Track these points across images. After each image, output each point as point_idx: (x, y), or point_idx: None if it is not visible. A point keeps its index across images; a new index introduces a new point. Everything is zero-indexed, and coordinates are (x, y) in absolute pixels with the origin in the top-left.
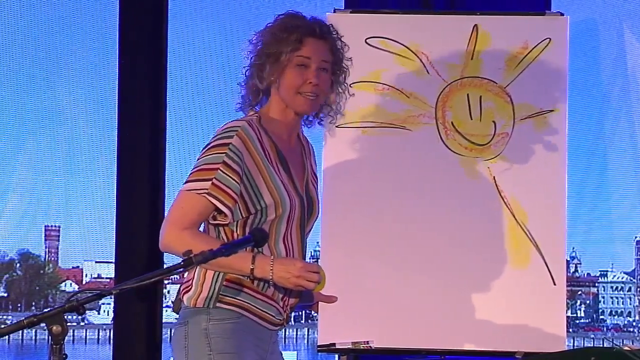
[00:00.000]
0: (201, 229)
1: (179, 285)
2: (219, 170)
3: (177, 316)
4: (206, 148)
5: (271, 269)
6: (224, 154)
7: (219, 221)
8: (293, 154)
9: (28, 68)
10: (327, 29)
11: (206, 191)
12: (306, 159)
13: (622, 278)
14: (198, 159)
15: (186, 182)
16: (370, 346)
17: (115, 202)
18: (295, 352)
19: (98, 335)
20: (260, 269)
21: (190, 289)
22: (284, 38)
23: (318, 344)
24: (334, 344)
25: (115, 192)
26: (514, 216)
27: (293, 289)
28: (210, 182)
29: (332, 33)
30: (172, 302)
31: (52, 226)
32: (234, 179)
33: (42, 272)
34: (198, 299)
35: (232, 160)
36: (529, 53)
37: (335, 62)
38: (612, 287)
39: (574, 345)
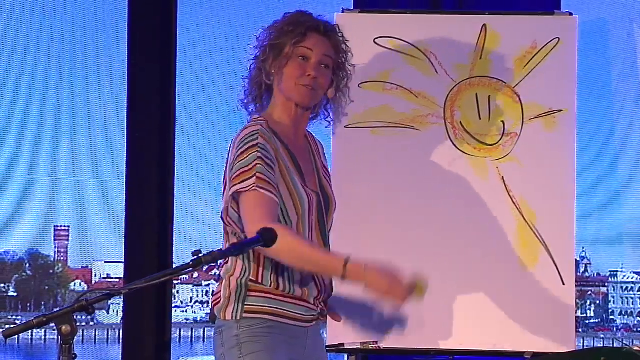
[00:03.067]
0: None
1: (211, 297)
2: (257, 165)
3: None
4: (236, 156)
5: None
6: (256, 152)
7: None
8: (301, 152)
9: (37, 69)
10: (332, 28)
11: (254, 185)
12: (315, 155)
13: (632, 278)
14: (232, 169)
15: (232, 185)
16: (378, 346)
17: (124, 202)
18: None
19: (107, 335)
20: (353, 274)
21: (220, 301)
22: (289, 31)
23: (327, 344)
24: (342, 344)
25: (124, 191)
26: (522, 216)
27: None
28: (254, 177)
29: (337, 33)
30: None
31: (61, 226)
32: (271, 172)
33: (51, 272)
34: (226, 311)
35: (264, 156)
36: (538, 53)
37: (338, 62)
38: (622, 287)
39: (583, 346)
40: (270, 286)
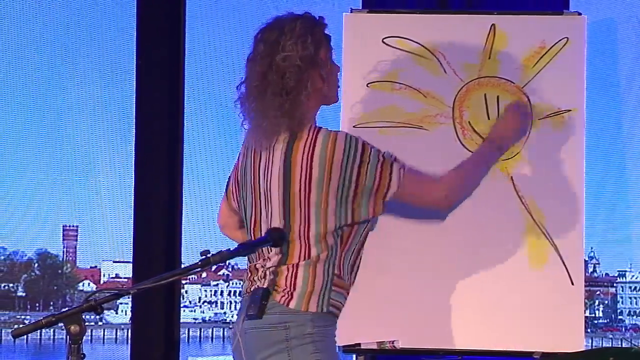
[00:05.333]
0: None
1: (262, 291)
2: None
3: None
4: (361, 157)
5: None
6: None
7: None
8: None
9: (44, 68)
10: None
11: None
12: None
13: None
14: (361, 164)
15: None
16: (394, 346)
17: (133, 202)
18: None
19: (116, 335)
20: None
21: (294, 291)
22: (323, 39)
23: (343, 344)
24: (359, 344)
25: (132, 191)
26: (531, 216)
27: None
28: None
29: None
30: (252, 309)
31: (70, 226)
32: None
33: (60, 271)
34: (310, 302)
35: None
36: (546, 53)
37: None
38: (630, 287)
39: (592, 346)
40: (347, 281)
